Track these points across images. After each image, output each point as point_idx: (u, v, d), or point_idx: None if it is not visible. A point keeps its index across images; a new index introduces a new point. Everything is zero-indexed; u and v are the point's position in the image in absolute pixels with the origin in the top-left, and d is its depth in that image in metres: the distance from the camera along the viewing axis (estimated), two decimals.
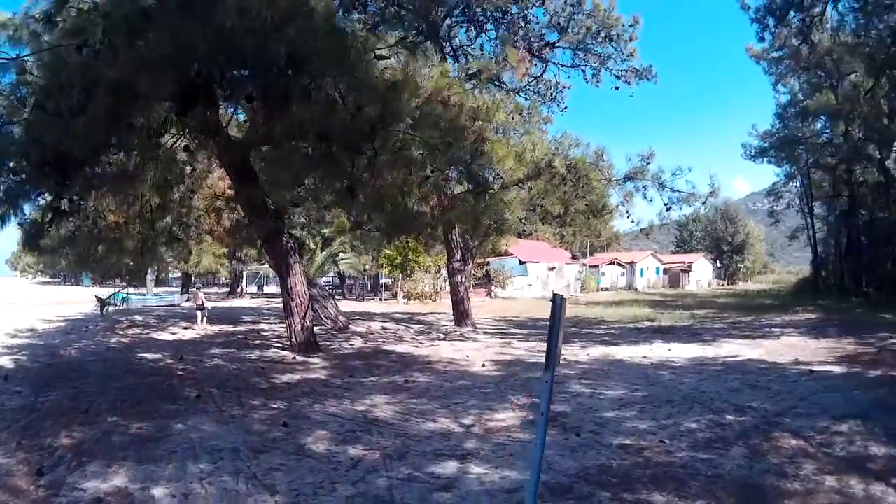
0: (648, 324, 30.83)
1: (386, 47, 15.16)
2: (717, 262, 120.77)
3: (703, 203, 29.92)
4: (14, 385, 13.89)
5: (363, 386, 13.93)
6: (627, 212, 30.13)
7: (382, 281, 61.62)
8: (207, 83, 14.48)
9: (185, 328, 27.16)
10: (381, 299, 56.47)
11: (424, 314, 36.92)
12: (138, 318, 32.33)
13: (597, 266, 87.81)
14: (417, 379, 14.93)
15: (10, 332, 25.10)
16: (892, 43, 32.50)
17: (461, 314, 29.60)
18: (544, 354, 5.45)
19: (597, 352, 19.88)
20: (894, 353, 19.19)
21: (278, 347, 20.33)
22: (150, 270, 54.14)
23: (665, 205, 29.14)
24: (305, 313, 19.19)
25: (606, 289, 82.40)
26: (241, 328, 27.19)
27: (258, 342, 22.15)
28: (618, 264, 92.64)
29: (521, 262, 68.23)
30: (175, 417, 10.61)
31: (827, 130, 54.98)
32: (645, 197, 29.11)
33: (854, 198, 54.43)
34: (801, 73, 54.24)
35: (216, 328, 27.22)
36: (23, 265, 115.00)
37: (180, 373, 15.75)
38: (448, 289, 32.09)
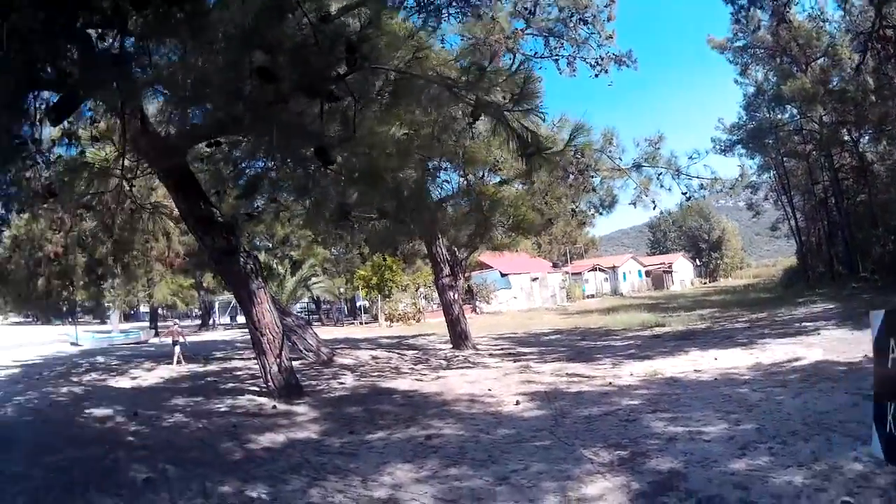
0: (662, 330, 28.07)
1: None
2: (697, 260, 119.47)
3: (732, 188, 27.28)
4: None
5: (372, 448, 10.29)
6: (654, 202, 27.10)
7: (360, 303, 58.87)
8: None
9: (149, 370, 23.64)
10: (361, 323, 53.53)
11: (413, 337, 33.82)
12: (100, 359, 28.66)
13: (579, 273, 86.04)
14: (442, 431, 11.23)
15: None
16: (875, 14, 30.79)
17: (459, 335, 26.20)
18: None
19: (638, 368, 16.87)
20: None
21: (254, 392, 16.49)
22: (113, 306, 51.38)
23: (684, 193, 26.70)
24: (281, 349, 15.48)
25: (592, 296, 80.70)
26: (212, 367, 23.64)
27: (230, 385, 18.47)
28: (600, 270, 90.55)
29: (503, 275, 65.76)
30: None
31: (796, 118, 53.75)
32: (662, 185, 26.62)
33: (837, 182, 53.70)
34: (770, 61, 54.00)
35: (184, 369, 23.67)
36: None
37: (130, 437, 12.14)
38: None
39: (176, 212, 18.63)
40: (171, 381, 20.51)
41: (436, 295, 55.91)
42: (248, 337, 16.48)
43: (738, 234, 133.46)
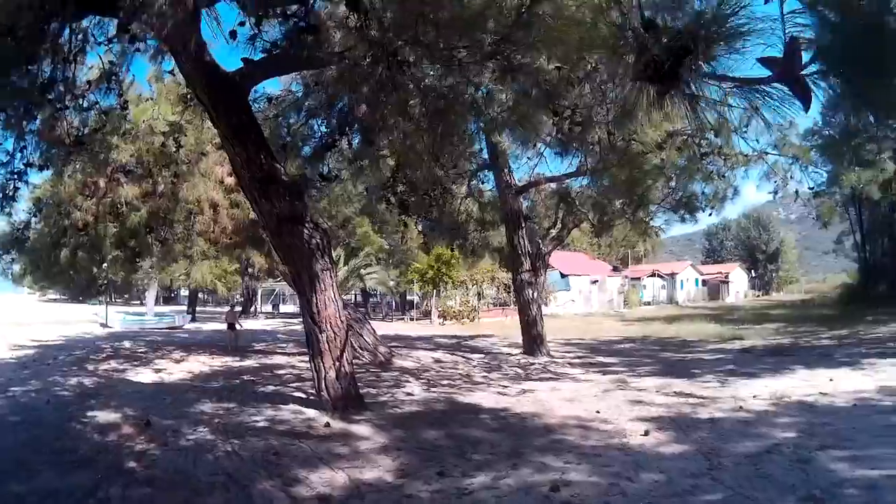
0: (746, 344, 25.90)
1: None
2: (752, 271, 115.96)
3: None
4: None
5: None
6: (797, 192, 24.47)
7: (410, 298, 56.56)
8: None
9: (178, 361, 20.96)
10: (411, 319, 51.67)
11: (471, 338, 31.29)
12: (126, 344, 26.10)
13: (638, 278, 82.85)
14: (567, 475, 7.95)
15: None
16: None
17: (533, 339, 23.24)
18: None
19: (755, 389, 14.51)
20: None
21: (301, 400, 13.34)
22: (147, 285, 49.17)
23: (810, 188, 24.93)
24: (343, 351, 12.09)
25: (648, 303, 78.32)
26: (250, 362, 20.71)
27: (271, 388, 15.45)
28: (658, 276, 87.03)
29: (563, 276, 62.80)
30: None
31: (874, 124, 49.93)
32: (792, 177, 24.31)
33: None
34: None
35: (218, 362, 20.78)
36: (29, 281, 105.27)
37: (133, 462, 9.00)
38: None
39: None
40: (200, 378, 17.79)
41: (489, 293, 53.59)
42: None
43: (794, 247, 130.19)
